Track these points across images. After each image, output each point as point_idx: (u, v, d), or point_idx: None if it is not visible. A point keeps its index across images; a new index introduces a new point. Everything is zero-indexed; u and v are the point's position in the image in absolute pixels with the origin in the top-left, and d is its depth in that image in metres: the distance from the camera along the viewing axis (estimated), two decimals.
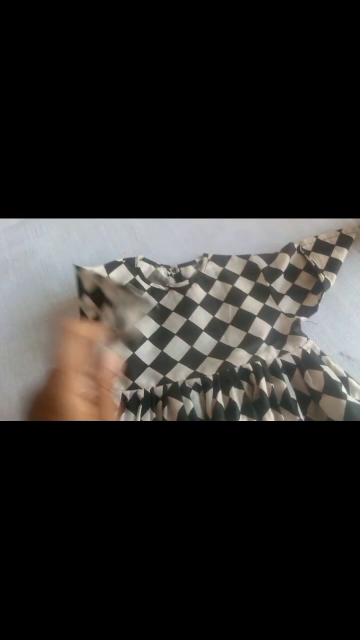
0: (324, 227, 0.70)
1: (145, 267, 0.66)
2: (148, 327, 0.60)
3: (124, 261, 0.67)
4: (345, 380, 0.52)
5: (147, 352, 0.58)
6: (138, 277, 0.65)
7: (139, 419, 0.51)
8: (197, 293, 0.63)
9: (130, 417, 0.52)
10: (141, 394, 0.54)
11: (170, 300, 0.63)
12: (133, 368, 0.56)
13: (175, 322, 0.60)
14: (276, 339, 0.58)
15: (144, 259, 0.67)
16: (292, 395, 0.52)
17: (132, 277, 0.65)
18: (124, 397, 0.54)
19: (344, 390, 0.50)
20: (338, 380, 0.51)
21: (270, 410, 0.49)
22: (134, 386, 0.55)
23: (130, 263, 0.66)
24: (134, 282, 0.64)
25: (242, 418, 0.50)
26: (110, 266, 0.66)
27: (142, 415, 0.52)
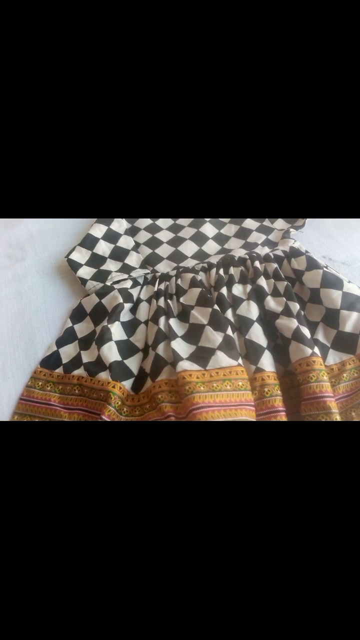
0: None
1: None
2: (165, 235, 0.75)
3: None
4: (326, 268, 0.64)
5: (163, 250, 0.72)
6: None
7: (155, 289, 0.64)
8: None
9: (149, 289, 0.65)
10: (158, 274, 0.67)
11: (184, 221, 0.78)
12: (152, 260, 0.70)
13: (188, 231, 0.75)
14: (269, 244, 0.71)
15: None
16: (281, 274, 0.64)
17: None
18: (145, 277, 0.67)
19: (321, 265, 0.62)
20: (317, 260, 0.63)
21: (262, 277, 0.62)
22: (154, 271, 0.68)
23: None
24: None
25: (238, 286, 0.62)
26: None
27: (158, 285, 0.64)
